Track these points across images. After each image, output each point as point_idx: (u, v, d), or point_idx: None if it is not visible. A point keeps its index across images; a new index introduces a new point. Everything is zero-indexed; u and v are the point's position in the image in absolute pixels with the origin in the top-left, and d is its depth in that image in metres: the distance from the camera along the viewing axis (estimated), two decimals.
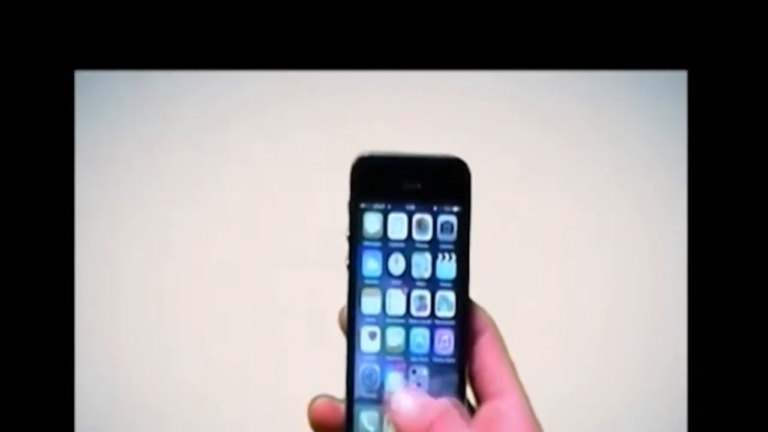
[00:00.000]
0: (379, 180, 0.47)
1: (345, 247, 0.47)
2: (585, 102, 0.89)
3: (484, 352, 0.46)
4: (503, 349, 0.47)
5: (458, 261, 0.47)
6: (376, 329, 0.47)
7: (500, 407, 0.45)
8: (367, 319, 0.47)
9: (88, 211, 0.86)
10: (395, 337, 0.47)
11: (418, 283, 0.47)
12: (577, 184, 0.89)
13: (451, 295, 0.47)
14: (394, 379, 0.46)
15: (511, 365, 0.46)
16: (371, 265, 0.47)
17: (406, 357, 0.47)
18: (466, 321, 0.47)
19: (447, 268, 0.47)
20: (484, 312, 0.48)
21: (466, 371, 0.46)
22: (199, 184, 0.89)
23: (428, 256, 0.47)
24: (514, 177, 0.88)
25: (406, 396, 0.45)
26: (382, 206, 0.47)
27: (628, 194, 0.89)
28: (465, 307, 0.47)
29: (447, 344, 0.47)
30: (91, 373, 0.85)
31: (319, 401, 0.47)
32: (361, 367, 0.47)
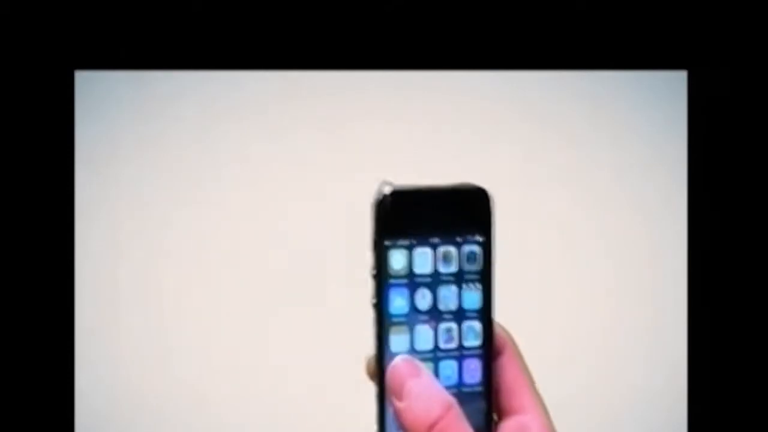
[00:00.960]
0: (403, 216, 0.46)
1: (370, 285, 0.46)
2: (585, 102, 0.89)
3: (506, 370, 0.47)
4: (523, 365, 0.47)
5: (483, 289, 0.46)
6: None
7: (522, 422, 0.46)
8: None
9: (88, 211, 0.86)
10: None
11: (445, 316, 0.46)
12: (577, 184, 0.89)
13: (477, 325, 0.47)
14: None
15: (531, 380, 0.47)
16: (398, 302, 0.46)
17: None
18: (491, 346, 0.47)
19: (473, 297, 0.47)
20: (503, 329, 0.48)
21: (493, 396, 0.46)
22: (199, 184, 0.89)
23: (454, 288, 0.46)
24: (513, 177, 0.88)
25: (412, 381, 0.45)
26: (406, 242, 0.46)
27: (628, 194, 0.89)
28: (490, 334, 0.47)
29: (475, 373, 0.46)
30: (91, 373, 0.85)
31: None
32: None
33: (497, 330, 0.47)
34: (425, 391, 0.45)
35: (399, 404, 0.45)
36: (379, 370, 0.45)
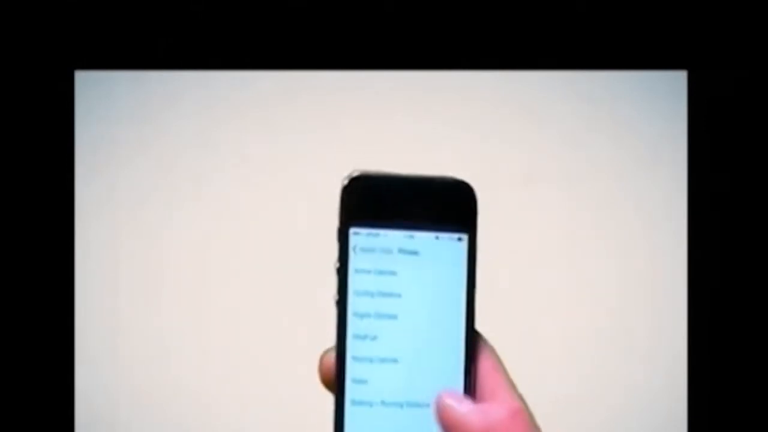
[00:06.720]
0: (372, 203, 0.41)
1: (334, 280, 0.41)
2: (585, 102, 0.89)
3: (479, 363, 0.43)
4: (496, 357, 0.43)
5: (464, 293, 0.42)
6: None
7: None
8: None
9: (88, 211, 0.86)
10: None
11: None
12: (578, 184, 0.89)
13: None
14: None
15: (507, 376, 0.43)
16: (364, 301, 0.41)
17: None
18: (472, 358, 0.41)
19: None
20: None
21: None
22: (198, 184, 0.89)
23: None
24: (513, 177, 0.88)
25: (461, 400, 0.41)
26: (375, 233, 0.41)
27: (628, 194, 0.89)
28: (471, 343, 0.41)
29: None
30: (91, 373, 0.85)
31: None
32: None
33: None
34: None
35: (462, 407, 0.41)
36: (339, 375, 0.41)
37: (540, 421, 0.44)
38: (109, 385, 0.87)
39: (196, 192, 0.89)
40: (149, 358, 0.88)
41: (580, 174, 0.89)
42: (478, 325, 0.44)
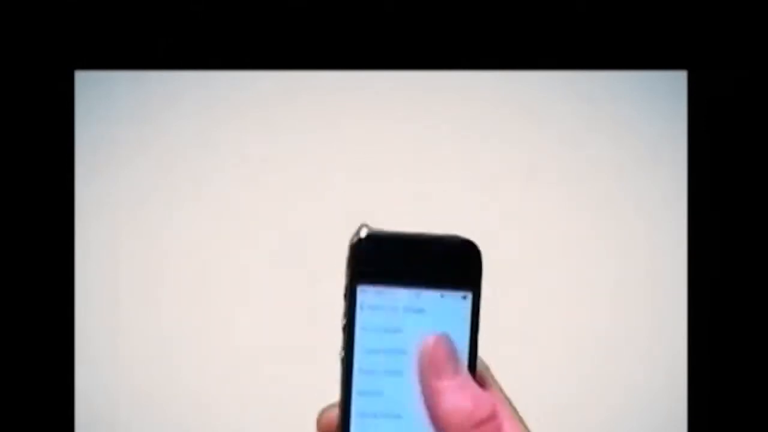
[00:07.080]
0: (380, 263, 0.42)
1: (339, 337, 0.42)
2: (585, 102, 0.89)
3: None
4: (502, 393, 0.43)
5: (467, 350, 0.42)
6: None
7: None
8: None
9: (88, 211, 0.86)
10: None
11: None
12: (578, 184, 0.89)
13: None
14: None
15: (513, 409, 0.43)
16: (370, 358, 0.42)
17: None
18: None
19: None
20: (481, 362, 0.44)
21: None
22: (199, 184, 0.89)
23: None
24: (513, 177, 0.88)
25: (455, 388, 0.41)
26: (382, 291, 0.42)
27: (628, 194, 0.89)
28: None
29: None
30: (91, 373, 0.85)
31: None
32: None
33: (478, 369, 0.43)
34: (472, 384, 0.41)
35: (443, 383, 0.41)
36: (343, 431, 0.41)
37: (540, 420, 0.44)
38: (109, 385, 0.87)
39: (196, 192, 0.89)
40: (149, 358, 0.88)
41: (580, 174, 0.89)
42: (481, 330, 0.44)
